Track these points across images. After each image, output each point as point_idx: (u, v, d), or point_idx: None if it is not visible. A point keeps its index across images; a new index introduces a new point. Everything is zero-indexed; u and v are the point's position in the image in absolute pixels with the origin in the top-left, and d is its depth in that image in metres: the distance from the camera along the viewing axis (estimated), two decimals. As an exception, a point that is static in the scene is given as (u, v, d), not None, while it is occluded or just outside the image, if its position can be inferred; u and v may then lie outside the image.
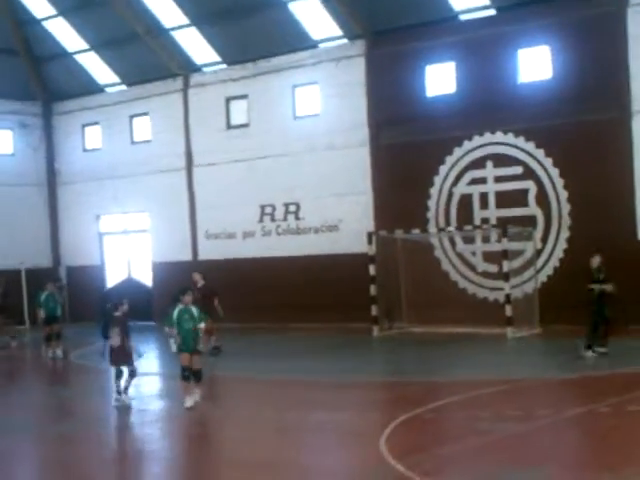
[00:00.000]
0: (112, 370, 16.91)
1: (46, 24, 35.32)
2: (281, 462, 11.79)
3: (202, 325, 15.94)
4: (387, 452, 11.62)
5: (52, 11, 34.57)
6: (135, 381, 16.98)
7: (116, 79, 35.84)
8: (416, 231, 26.76)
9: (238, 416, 15.31)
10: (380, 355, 24.11)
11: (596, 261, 19.79)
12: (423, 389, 17.15)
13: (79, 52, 35.60)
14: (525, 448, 11.95)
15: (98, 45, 34.90)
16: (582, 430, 13.16)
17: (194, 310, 15.93)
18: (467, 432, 12.81)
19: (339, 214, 29.87)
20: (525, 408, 14.32)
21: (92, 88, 36.45)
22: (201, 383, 15.90)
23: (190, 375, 15.65)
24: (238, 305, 30.74)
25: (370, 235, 26.97)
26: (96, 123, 36.54)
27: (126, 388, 16.68)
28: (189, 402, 15.55)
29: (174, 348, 15.79)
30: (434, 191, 28.08)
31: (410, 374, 19.34)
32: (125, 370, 16.69)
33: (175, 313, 15.76)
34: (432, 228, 27.55)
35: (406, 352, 23.64)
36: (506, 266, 24.72)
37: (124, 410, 16.15)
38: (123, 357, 16.60)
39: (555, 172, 25.99)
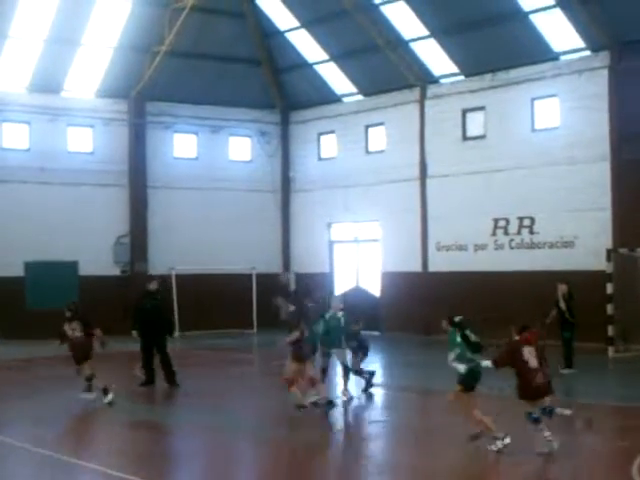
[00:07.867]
0: None
1: (289, 35, 36.34)
2: None
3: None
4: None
5: (295, 23, 35.49)
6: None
7: (353, 89, 36.40)
8: (659, 250, 25.68)
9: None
10: (616, 377, 23.19)
11: None
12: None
13: (319, 62, 36.43)
14: None
15: (337, 56, 35.55)
16: None
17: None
18: None
19: (575, 230, 29.00)
20: None
21: (329, 98, 37.23)
22: None
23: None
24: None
25: (609, 252, 26.10)
26: (332, 132, 37.23)
27: None
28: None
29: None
30: (680, 208, 26.84)
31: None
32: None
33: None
34: (678, 248, 26.29)
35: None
36: None
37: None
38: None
39: None
